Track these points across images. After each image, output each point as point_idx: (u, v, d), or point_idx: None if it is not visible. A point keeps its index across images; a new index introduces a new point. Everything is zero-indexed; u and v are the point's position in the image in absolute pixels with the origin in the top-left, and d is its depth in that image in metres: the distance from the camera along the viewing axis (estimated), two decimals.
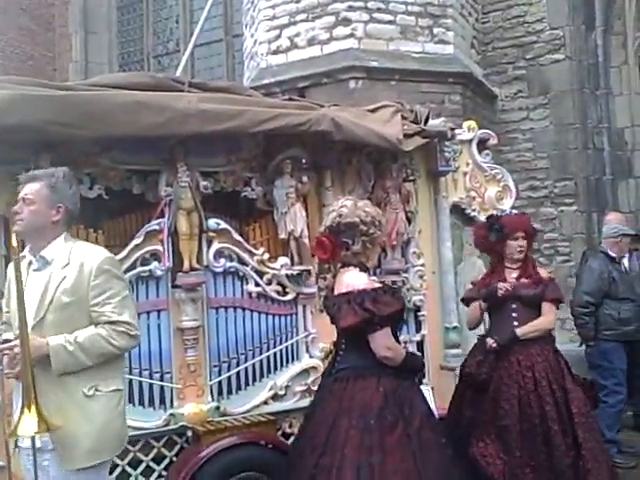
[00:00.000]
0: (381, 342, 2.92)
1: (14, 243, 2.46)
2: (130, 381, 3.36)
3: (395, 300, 3.03)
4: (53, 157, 3.14)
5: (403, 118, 4.25)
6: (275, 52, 7.60)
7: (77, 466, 2.45)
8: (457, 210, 4.85)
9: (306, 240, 3.86)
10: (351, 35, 7.18)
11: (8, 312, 2.69)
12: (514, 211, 4.83)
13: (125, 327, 2.54)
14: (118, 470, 3.35)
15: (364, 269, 3.06)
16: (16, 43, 11.12)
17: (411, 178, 4.43)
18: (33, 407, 2.32)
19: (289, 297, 3.86)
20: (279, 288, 3.83)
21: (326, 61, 7.20)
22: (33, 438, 2.40)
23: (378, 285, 3.07)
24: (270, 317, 3.81)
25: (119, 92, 3.35)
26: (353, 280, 2.98)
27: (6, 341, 2.50)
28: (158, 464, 3.47)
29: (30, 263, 2.59)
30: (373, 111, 4.33)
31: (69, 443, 2.43)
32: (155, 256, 3.46)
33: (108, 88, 3.41)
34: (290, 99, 4.40)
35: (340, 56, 7.16)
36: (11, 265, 2.68)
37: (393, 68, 7.10)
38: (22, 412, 2.34)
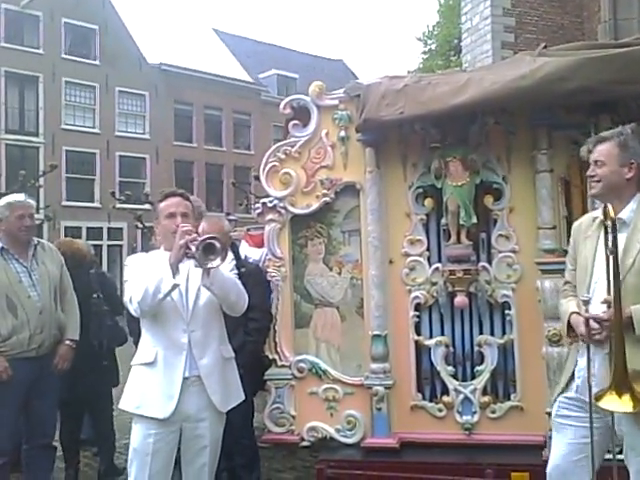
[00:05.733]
0: None
1: (609, 210, 2.40)
2: None
3: None
4: (613, 117, 3.12)
5: None
6: None
7: None
8: None
9: None
10: None
11: (573, 270, 2.70)
12: None
13: None
14: None
15: None
16: (547, 16, 11.79)
17: None
18: (626, 384, 2.27)
19: None
20: None
21: None
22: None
23: None
24: None
25: None
26: None
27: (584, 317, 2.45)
28: None
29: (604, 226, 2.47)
30: None
31: None
32: None
33: None
34: None
35: None
36: (581, 226, 2.69)
37: None
38: (614, 386, 2.29)
